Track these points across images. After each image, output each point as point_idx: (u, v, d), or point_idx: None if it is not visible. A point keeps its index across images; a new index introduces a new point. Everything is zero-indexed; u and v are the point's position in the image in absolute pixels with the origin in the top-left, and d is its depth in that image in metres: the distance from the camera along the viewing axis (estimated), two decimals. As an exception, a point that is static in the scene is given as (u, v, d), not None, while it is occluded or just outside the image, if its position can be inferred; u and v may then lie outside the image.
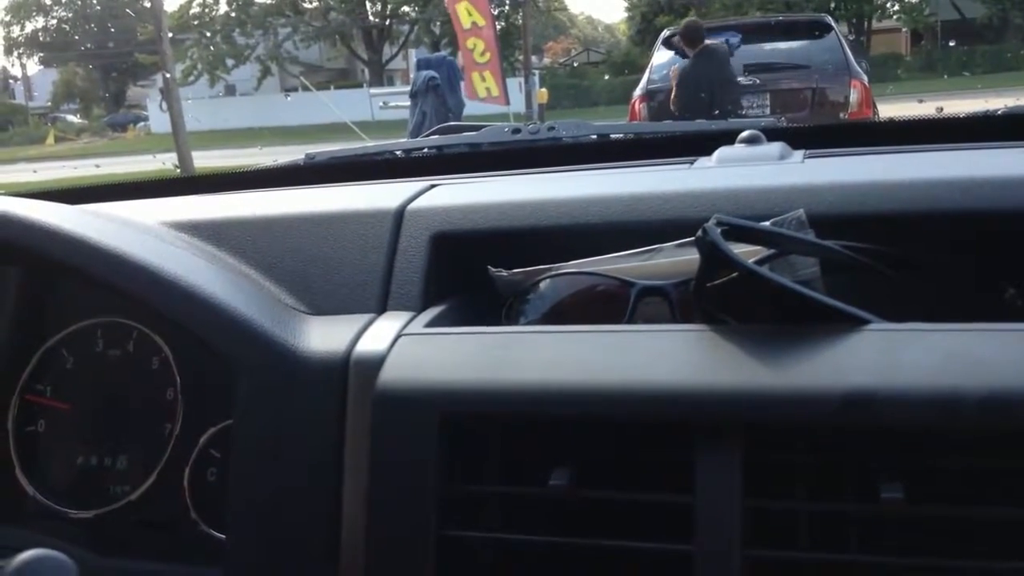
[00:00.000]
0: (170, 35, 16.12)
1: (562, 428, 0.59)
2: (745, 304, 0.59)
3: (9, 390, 0.81)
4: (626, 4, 37.73)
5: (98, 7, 44.94)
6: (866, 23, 31.87)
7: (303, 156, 1.35)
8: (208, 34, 32.60)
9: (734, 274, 0.57)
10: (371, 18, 34.15)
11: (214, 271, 0.73)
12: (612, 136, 1.34)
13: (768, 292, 0.57)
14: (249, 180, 1.20)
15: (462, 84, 9.28)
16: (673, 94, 6.62)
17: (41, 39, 46.00)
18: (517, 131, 1.31)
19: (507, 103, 11.08)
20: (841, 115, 6.94)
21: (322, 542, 0.63)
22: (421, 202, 0.80)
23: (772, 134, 1.01)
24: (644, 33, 31.33)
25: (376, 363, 0.63)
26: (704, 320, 0.61)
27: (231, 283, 0.72)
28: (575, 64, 41.42)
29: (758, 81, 7.10)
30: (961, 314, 0.56)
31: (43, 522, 0.76)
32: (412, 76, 9.10)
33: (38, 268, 0.83)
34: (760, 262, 0.61)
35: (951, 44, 30.31)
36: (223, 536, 0.68)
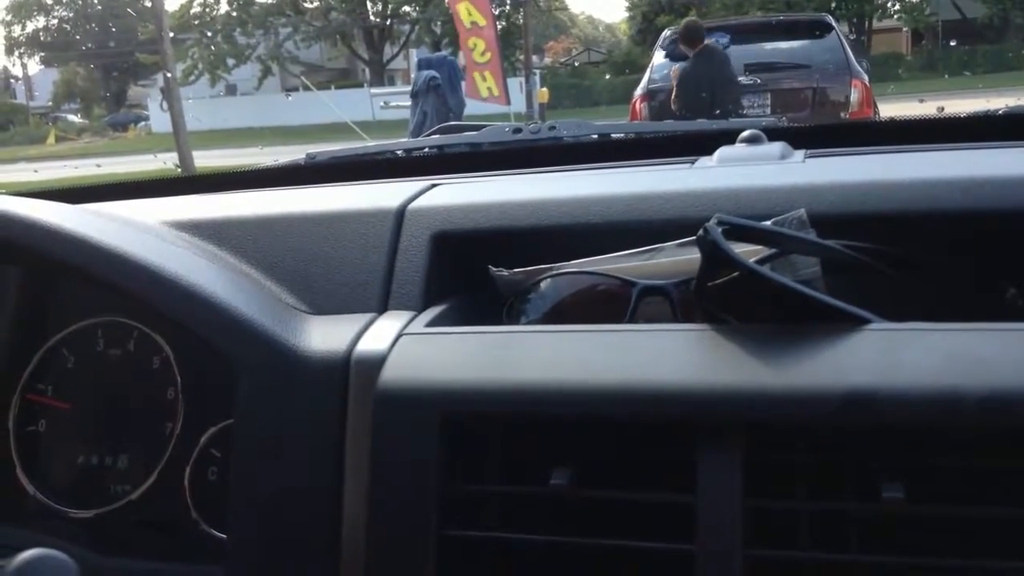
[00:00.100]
0: (171, 35, 16.12)
1: (563, 428, 0.59)
2: (746, 304, 0.59)
3: (10, 389, 0.81)
4: (627, 4, 37.75)
5: (99, 7, 44.96)
6: (867, 22, 31.88)
7: (304, 156, 1.35)
8: (209, 34, 32.61)
9: (735, 274, 0.57)
10: (372, 18, 34.16)
11: (215, 270, 0.73)
12: (613, 136, 1.34)
13: (769, 292, 0.57)
14: (250, 180, 1.20)
15: (463, 84, 9.28)
16: (674, 94, 6.62)
17: (42, 39, 46.03)
18: (518, 131, 1.31)
19: (508, 103, 11.09)
20: (842, 115, 6.94)
21: (323, 541, 0.63)
22: (422, 201, 0.80)
23: (773, 134, 1.01)
24: (645, 33, 31.33)
25: (377, 363, 0.63)
26: (705, 320, 0.61)
27: (232, 282, 0.72)
28: (576, 64, 41.43)
29: (759, 81, 7.10)
30: (962, 314, 0.56)
31: (44, 521, 0.76)
32: (413, 76, 9.10)
33: (39, 267, 0.83)
34: (761, 262, 0.61)
35: (952, 44, 30.29)
36: (224, 535, 0.68)
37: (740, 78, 6.79)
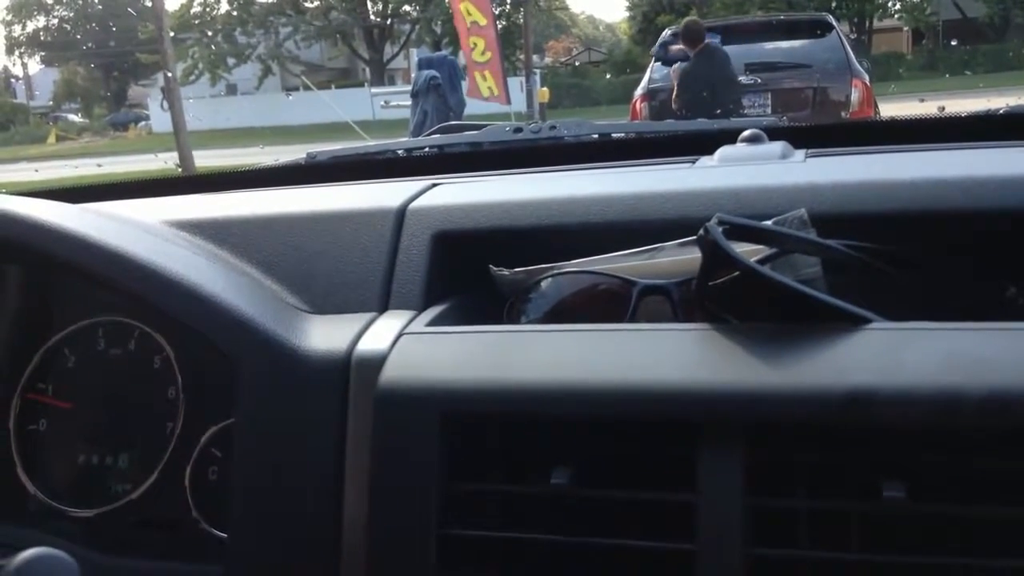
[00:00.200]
0: (171, 34, 16.13)
1: (563, 427, 0.59)
2: (747, 303, 0.59)
3: (11, 389, 0.81)
4: (627, 3, 37.74)
5: (99, 6, 44.97)
6: (868, 22, 31.86)
7: (304, 155, 1.36)
8: (209, 33, 32.61)
9: (736, 273, 0.57)
10: (372, 17, 34.16)
11: (215, 270, 0.73)
12: (614, 135, 1.34)
13: (770, 291, 0.57)
14: (250, 179, 1.20)
15: (464, 83, 9.28)
16: (675, 93, 6.62)
17: (42, 38, 46.05)
18: (519, 130, 1.31)
19: (508, 102, 11.09)
20: (843, 114, 6.94)
21: (323, 541, 0.63)
22: (422, 201, 0.80)
23: (774, 133, 1.01)
24: (645, 32, 31.32)
25: (377, 362, 0.63)
26: (706, 319, 0.61)
27: (232, 282, 0.72)
28: (576, 63, 41.44)
29: (759, 80, 7.10)
30: (962, 313, 0.56)
31: (44, 521, 0.76)
32: (413, 75, 9.10)
33: (40, 267, 0.83)
34: (762, 261, 0.61)
35: (953, 43, 30.29)
36: (224, 535, 0.68)
37: (741, 78, 6.80)
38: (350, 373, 0.65)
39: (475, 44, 10.66)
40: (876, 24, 33.04)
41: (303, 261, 0.77)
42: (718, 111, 6.08)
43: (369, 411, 0.62)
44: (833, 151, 0.93)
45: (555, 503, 0.58)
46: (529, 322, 0.71)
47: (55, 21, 45.86)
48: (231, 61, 32.40)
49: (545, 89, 16.33)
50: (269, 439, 0.65)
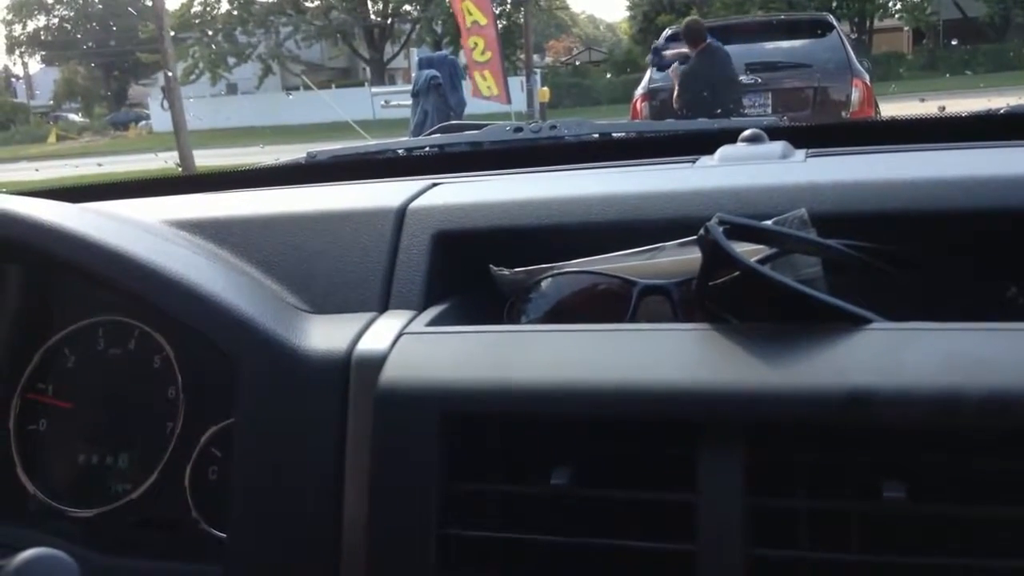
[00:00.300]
0: (172, 34, 16.13)
1: (564, 427, 0.59)
2: (747, 303, 0.59)
3: (11, 389, 0.81)
4: (627, 3, 37.73)
5: (100, 6, 44.97)
6: (868, 22, 31.86)
7: (304, 155, 1.36)
8: (210, 33, 32.61)
9: (736, 273, 0.57)
10: (373, 17, 34.16)
11: (215, 269, 0.73)
12: (614, 135, 1.34)
13: (770, 291, 0.57)
14: (250, 179, 1.20)
15: (465, 83, 9.28)
16: (675, 93, 6.62)
17: (43, 38, 46.06)
18: (519, 130, 1.31)
19: (508, 102, 11.08)
20: (843, 114, 6.94)
21: (323, 541, 0.63)
22: (423, 201, 0.80)
23: (774, 133, 1.00)
24: (646, 32, 31.30)
25: (377, 362, 0.63)
26: (706, 319, 0.61)
27: (232, 281, 0.72)
28: (577, 63, 41.44)
29: (760, 80, 7.10)
30: (963, 313, 0.56)
31: (44, 521, 0.76)
32: (414, 75, 9.10)
33: (40, 266, 0.83)
34: (762, 261, 0.61)
35: (953, 43, 30.29)
36: (224, 535, 0.68)
37: (741, 77, 6.79)
38: (350, 373, 0.65)
39: (475, 44, 10.66)
40: (876, 24, 33.03)
41: (303, 261, 0.77)
42: (718, 111, 6.08)
43: (369, 411, 0.62)
44: (833, 151, 0.93)
45: (555, 503, 0.58)
46: (529, 322, 0.71)
47: (55, 20, 45.89)
48: (231, 60, 32.40)
49: (545, 89, 16.34)
50: (269, 439, 0.65)
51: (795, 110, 6.95)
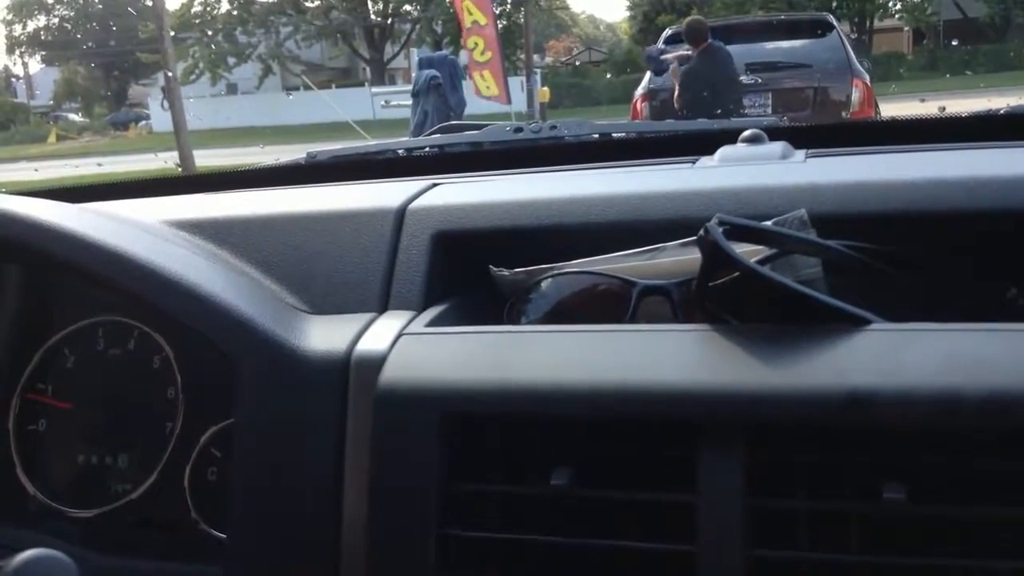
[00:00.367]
0: (172, 34, 16.13)
1: (563, 427, 0.59)
2: (747, 304, 0.59)
3: (10, 389, 0.81)
4: (628, 3, 37.74)
5: (100, 6, 44.98)
6: (868, 22, 31.86)
7: (304, 155, 1.35)
8: (210, 33, 32.61)
9: (736, 274, 0.57)
10: (373, 17, 34.16)
11: (215, 270, 0.73)
12: (614, 135, 1.34)
13: (770, 292, 0.57)
14: (250, 179, 1.20)
15: (466, 83, 9.28)
16: (676, 93, 6.62)
17: (43, 38, 46.07)
18: (519, 130, 1.31)
19: (509, 102, 11.08)
20: (843, 114, 6.94)
21: (323, 541, 0.63)
22: (422, 201, 0.80)
23: (774, 133, 1.00)
24: (646, 32, 31.31)
25: (377, 362, 0.63)
26: (706, 320, 0.61)
27: (232, 282, 0.72)
28: (577, 63, 41.43)
29: (760, 80, 7.10)
30: (963, 314, 0.56)
31: (44, 521, 0.76)
32: (414, 75, 9.10)
33: (39, 267, 0.83)
34: (762, 262, 0.61)
35: (954, 43, 30.28)
36: (223, 535, 0.68)
37: (741, 78, 6.79)
38: (350, 373, 0.65)
39: (476, 44, 10.65)
40: (877, 24, 33.03)
41: (303, 261, 0.77)
42: (718, 111, 6.07)
43: (369, 411, 0.62)
44: (833, 151, 0.92)
45: (555, 504, 0.58)
46: (529, 322, 0.71)
47: (56, 20, 45.90)
48: (231, 60, 32.40)
49: (546, 89, 16.34)
50: (268, 439, 0.65)
51: (795, 110, 6.95)
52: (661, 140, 1.23)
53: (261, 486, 0.64)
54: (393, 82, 33.22)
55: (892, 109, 8.47)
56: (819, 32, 7.69)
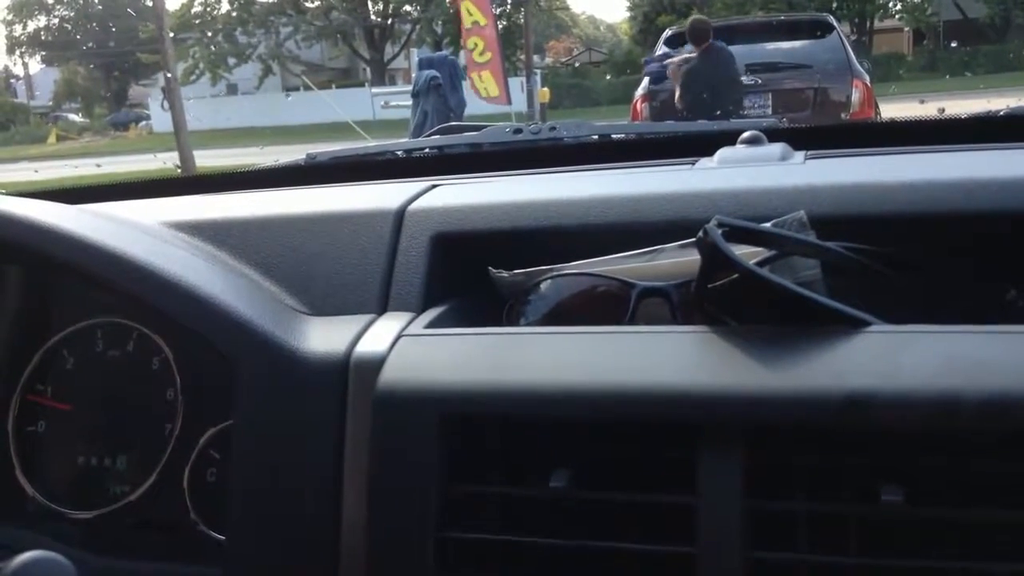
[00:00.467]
0: (172, 34, 16.13)
1: (563, 429, 0.59)
2: (746, 305, 0.59)
3: (10, 390, 0.81)
4: (628, 4, 37.73)
5: (100, 6, 44.98)
6: (868, 22, 31.86)
7: (304, 156, 1.35)
8: (210, 33, 32.61)
9: (735, 275, 0.57)
10: (373, 17, 34.16)
11: (214, 271, 0.73)
12: (613, 136, 1.34)
13: (769, 293, 0.57)
14: (249, 180, 1.20)
15: (465, 83, 9.28)
16: (678, 93, 6.61)
17: (43, 38, 46.07)
18: (518, 131, 1.31)
19: (509, 102, 11.08)
20: (843, 115, 6.93)
21: (322, 542, 0.63)
22: (422, 202, 0.80)
23: (773, 135, 1.00)
24: (646, 33, 31.32)
25: (376, 364, 0.63)
26: (705, 321, 0.61)
27: (231, 283, 0.72)
28: (577, 64, 41.43)
29: (760, 81, 7.10)
30: (962, 316, 0.56)
31: (43, 523, 0.76)
32: (414, 75, 9.09)
33: (38, 268, 0.83)
34: (761, 263, 0.61)
35: (953, 44, 30.28)
36: (223, 537, 0.68)
37: (742, 78, 6.79)
38: (349, 375, 0.65)
39: (475, 44, 10.65)
40: (877, 24, 33.03)
41: (302, 262, 0.77)
42: (718, 112, 6.07)
43: (368, 413, 0.62)
44: (833, 153, 0.92)
45: (554, 505, 0.58)
46: (528, 324, 0.71)
47: (56, 21, 45.90)
48: (232, 61, 32.39)
49: (546, 89, 16.34)
50: (268, 441, 0.65)
51: (795, 111, 6.95)
52: (660, 141, 1.23)
53: (260, 487, 0.64)
54: (393, 82, 33.23)
55: (892, 110, 8.48)
56: (819, 33, 7.69)
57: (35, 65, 50.85)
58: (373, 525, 0.60)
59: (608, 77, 31.16)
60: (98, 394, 0.80)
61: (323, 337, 0.68)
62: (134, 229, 0.78)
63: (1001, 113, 1.16)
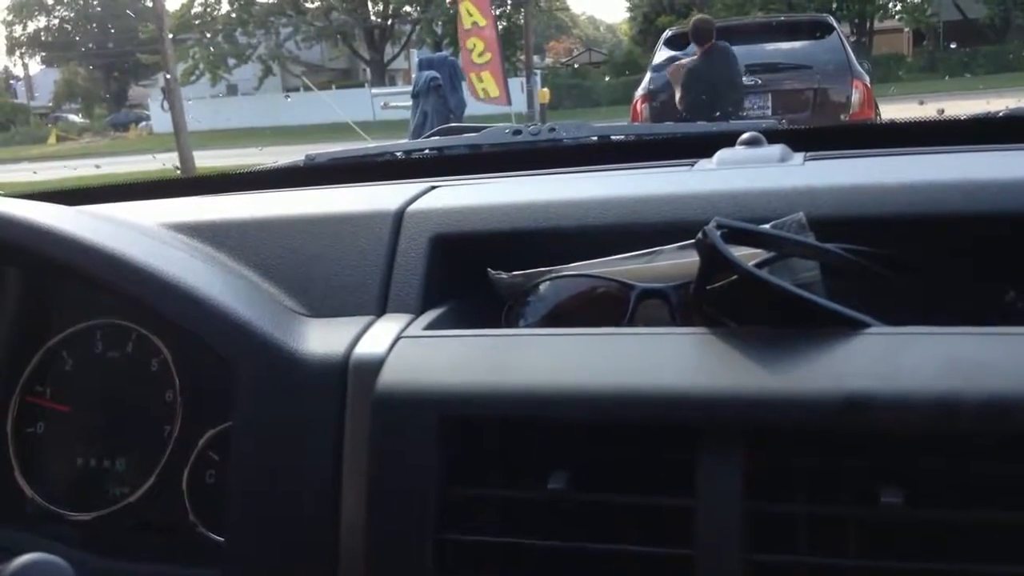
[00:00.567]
0: (171, 35, 16.14)
1: (561, 431, 0.59)
2: (745, 307, 0.59)
3: (9, 391, 0.81)
4: (628, 4, 37.75)
5: (100, 7, 44.99)
6: (868, 23, 31.86)
7: (303, 157, 1.35)
8: (209, 34, 32.60)
9: (734, 277, 0.57)
10: (373, 18, 34.16)
11: (213, 273, 0.73)
12: (613, 138, 1.34)
13: (768, 295, 0.57)
14: (249, 181, 1.20)
15: (464, 84, 9.27)
16: (679, 94, 6.60)
17: (43, 39, 46.08)
18: (518, 132, 1.31)
19: (509, 103, 11.07)
20: (843, 116, 6.93)
21: (321, 544, 0.63)
22: (421, 204, 0.80)
23: (773, 136, 1.00)
24: (646, 33, 31.32)
25: (375, 365, 0.63)
26: (704, 323, 0.61)
27: (230, 285, 0.72)
28: (576, 64, 41.43)
29: (760, 82, 7.10)
30: (961, 317, 0.56)
31: (42, 524, 0.76)
32: (414, 76, 9.09)
33: (37, 269, 0.83)
34: (760, 265, 0.61)
35: (952, 46, 30.27)
36: (222, 538, 0.68)
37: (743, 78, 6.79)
38: (348, 376, 0.65)
39: (473, 45, 10.64)
40: (876, 25, 33.02)
41: (301, 264, 0.77)
42: (717, 113, 6.07)
43: (367, 414, 0.62)
44: (832, 154, 0.92)
45: (553, 507, 0.58)
46: (527, 325, 0.71)
47: (56, 21, 45.91)
48: (231, 61, 32.38)
49: (546, 90, 16.35)
50: (267, 442, 0.65)
51: (795, 112, 6.95)
52: (659, 143, 1.23)
53: (259, 489, 0.64)
54: (393, 83, 33.22)
55: (891, 111, 8.48)
56: (819, 33, 7.68)
57: (35, 66, 50.90)
58: (372, 527, 0.60)
59: (607, 79, 31.15)
60: (97, 395, 0.80)
61: (322, 339, 0.68)
62: (133, 230, 0.78)
63: (1000, 114, 1.16)
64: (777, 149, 0.94)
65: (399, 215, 0.78)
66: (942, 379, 0.51)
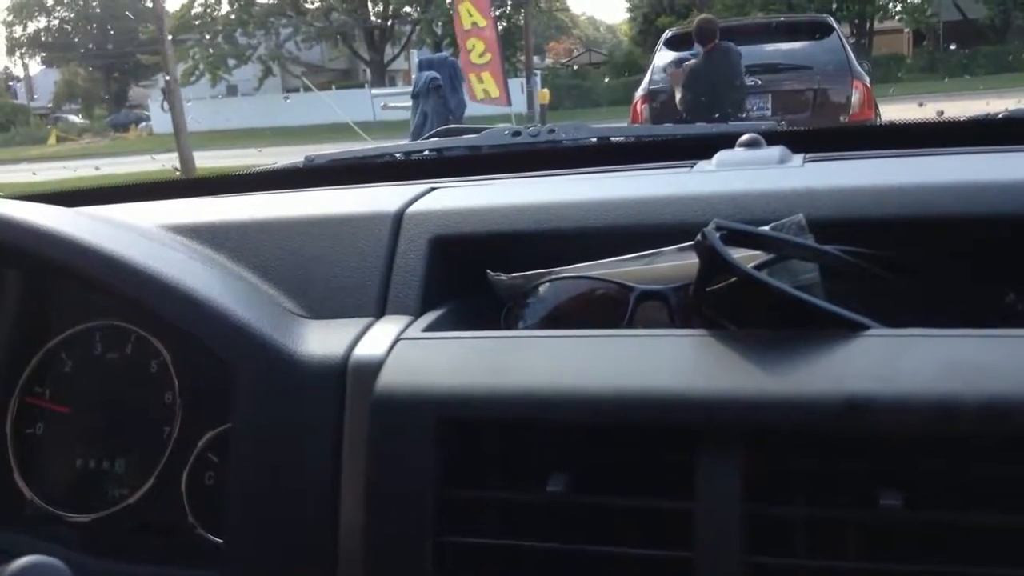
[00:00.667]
0: (171, 36, 16.14)
1: (561, 433, 0.59)
2: (744, 309, 0.59)
3: (8, 392, 0.81)
4: (628, 5, 37.76)
5: (100, 8, 45.00)
6: (868, 24, 31.87)
7: (303, 158, 1.35)
8: (209, 35, 32.60)
9: (733, 279, 0.57)
10: (373, 18, 34.16)
11: (212, 274, 0.73)
12: (612, 139, 1.34)
13: (767, 297, 0.57)
14: (248, 183, 1.20)
15: (464, 85, 9.27)
16: (680, 94, 6.59)
17: (43, 39, 46.09)
18: (517, 134, 1.31)
19: (509, 103, 11.07)
20: (843, 116, 6.93)
21: (320, 546, 0.63)
22: (420, 205, 0.80)
23: (772, 137, 1.00)
24: (646, 34, 31.34)
25: (374, 367, 0.63)
26: (703, 325, 0.61)
27: (229, 286, 0.72)
28: (576, 65, 41.44)
29: (759, 82, 7.10)
30: (961, 319, 0.56)
31: (41, 526, 0.76)
32: (414, 77, 9.09)
33: (36, 271, 0.83)
34: (759, 267, 0.61)
35: (951, 47, 30.27)
36: (220, 540, 0.68)
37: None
38: (347, 378, 0.65)
39: (473, 46, 10.64)
40: (876, 26, 33.02)
41: (300, 265, 0.77)
42: (716, 114, 6.06)
43: (366, 416, 0.62)
44: (831, 155, 0.92)
45: (552, 510, 0.58)
46: (526, 327, 0.71)
47: (56, 22, 45.92)
48: (231, 62, 32.39)
49: (546, 90, 16.36)
50: (266, 444, 0.65)
51: (795, 112, 6.95)
52: (659, 144, 1.23)
53: (258, 491, 0.64)
54: (393, 84, 33.23)
55: (891, 111, 8.48)
56: (819, 34, 7.68)
57: (35, 66, 50.91)
58: (371, 529, 0.60)
59: (607, 80, 31.14)
60: (96, 397, 0.80)
61: (321, 340, 0.68)
62: (132, 232, 0.78)
63: (1000, 116, 1.16)
64: (776, 151, 0.94)
65: (398, 216, 0.78)
66: (942, 381, 0.51)
